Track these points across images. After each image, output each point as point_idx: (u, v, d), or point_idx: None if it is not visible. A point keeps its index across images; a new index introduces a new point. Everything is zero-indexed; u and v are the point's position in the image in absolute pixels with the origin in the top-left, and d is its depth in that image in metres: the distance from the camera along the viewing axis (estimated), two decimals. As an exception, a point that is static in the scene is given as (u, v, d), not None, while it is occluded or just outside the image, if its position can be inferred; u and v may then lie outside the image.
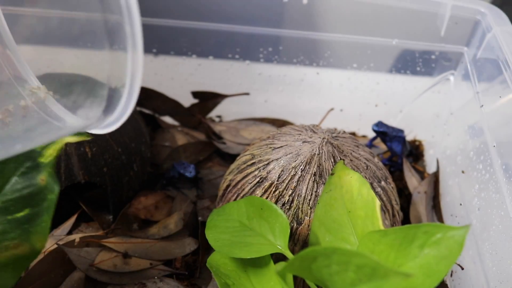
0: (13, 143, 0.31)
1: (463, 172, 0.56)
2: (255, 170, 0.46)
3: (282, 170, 0.45)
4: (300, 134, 0.47)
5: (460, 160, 0.57)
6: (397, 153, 0.63)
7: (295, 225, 0.44)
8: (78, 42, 0.36)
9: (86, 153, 0.50)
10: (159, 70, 0.67)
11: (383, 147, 0.67)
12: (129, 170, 0.54)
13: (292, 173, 0.44)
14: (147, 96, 0.66)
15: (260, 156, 0.47)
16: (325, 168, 0.44)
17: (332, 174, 0.41)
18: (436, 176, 0.63)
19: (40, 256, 0.48)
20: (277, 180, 0.45)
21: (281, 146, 0.46)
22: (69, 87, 0.37)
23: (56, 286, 0.47)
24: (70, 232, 0.52)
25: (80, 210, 0.53)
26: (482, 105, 0.52)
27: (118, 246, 0.50)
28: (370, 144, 0.67)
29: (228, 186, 0.49)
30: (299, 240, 0.44)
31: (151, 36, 0.64)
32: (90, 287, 0.48)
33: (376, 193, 0.46)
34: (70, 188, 0.51)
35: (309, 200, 0.44)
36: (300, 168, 0.44)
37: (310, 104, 0.69)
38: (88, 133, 0.36)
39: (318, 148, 0.45)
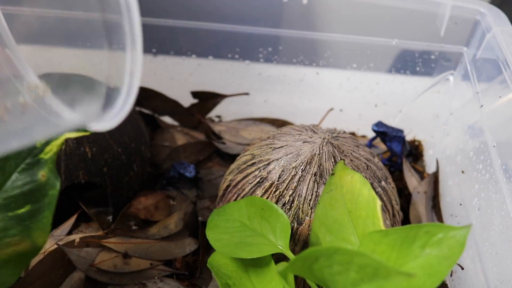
0: (11, 140, 0.31)
1: (463, 172, 0.56)
2: (255, 170, 0.46)
3: (282, 170, 0.45)
4: (300, 134, 0.47)
5: (459, 160, 0.57)
6: (396, 153, 0.63)
7: (295, 225, 0.44)
8: (77, 42, 0.36)
9: (86, 153, 0.50)
10: (159, 70, 0.66)
11: (382, 147, 0.67)
12: (129, 170, 0.54)
13: (292, 173, 0.44)
14: (147, 96, 0.66)
15: (261, 156, 0.47)
16: (326, 168, 0.44)
17: (332, 174, 0.41)
18: (435, 176, 0.63)
19: (40, 257, 0.48)
20: (278, 180, 0.45)
21: (282, 146, 0.46)
22: (67, 84, 0.37)
23: (56, 286, 0.47)
24: (70, 232, 0.52)
25: (80, 210, 0.53)
26: (482, 105, 0.52)
27: (118, 246, 0.50)
28: (370, 144, 0.67)
29: (228, 186, 0.49)
30: (299, 240, 0.44)
31: (151, 36, 0.64)
32: (90, 288, 0.48)
33: (377, 193, 0.46)
34: (70, 188, 0.51)
35: (310, 200, 0.44)
36: (301, 168, 0.44)
37: (309, 104, 0.69)
38: (88, 129, 0.36)
39: (319, 148, 0.45)
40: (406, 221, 0.57)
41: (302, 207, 0.44)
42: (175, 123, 0.69)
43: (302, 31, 0.62)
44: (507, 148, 0.47)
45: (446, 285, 0.53)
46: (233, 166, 0.51)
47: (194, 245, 0.53)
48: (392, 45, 0.62)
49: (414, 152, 0.68)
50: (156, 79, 0.67)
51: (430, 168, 0.66)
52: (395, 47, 0.62)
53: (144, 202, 0.57)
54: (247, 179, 0.47)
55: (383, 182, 0.48)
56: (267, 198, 0.44)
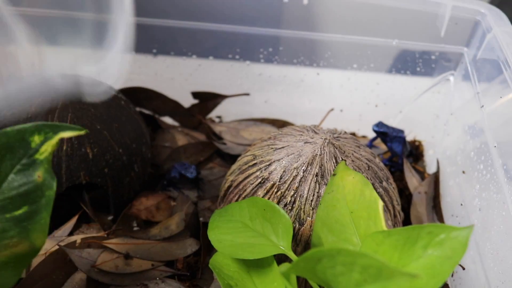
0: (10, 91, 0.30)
1: (463, 172, 0.56)
2: (256, 170, 0.46)
3: (284, 171, 0.45)
4: (301, 134, 0.47)
5: (460, 160, 0.58)
6: (397, 154, 0.63)
7: (297, 225, 0.44)
8: None
9: (87, 154, 0.50)
10: (159, 70, 0.67)
11: (383, 147, 0.67)
12: (130, 171, 0.54)
13: (294, 174, 0.44)
14: (147, 97, 0.66)
15: (262, 157, 0.47)
16: (327, 169, 0.44)
17: (334, 174, 0.41)
18: (436, 176, 0.63)
19: (41, 258, 0.48)
20: (279, 181, 0.45)
21: (283, 147, 0.46)
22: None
23: (57, 287, 0.47)
24: (71, 233, 0.52)
25: (81, 211, 0.53)
26: (483, 106, 0.52)
27: (120, 247, 0.50)
28: (371, 145, 0.67)
29: (229, 186, 0.49)
30: (301, 241, 0.44)
31: (151, 37, 0.64)
32: (91, 288, 0.48)
33: (378, 193, 0.46)
34: (71, 189, 0.51)
35: (311, 200, 0.44)
36: (302, 168, 0.44)
37: (310, 104, 0.69)
38: (82, 127, 0.36)
39: (320, 148, 0.45)
40: (407, 221, 0.57)
41: (304, 207, 0.44)
42: (176, 123, 0.69)
43: (302, 32, 0.62)
44: (508, 148, 0.47)
45: (447, 285, 0.53)
46: (234, 166, 0.51)
47: (196, 245, 0.53)
48: (393, 46, 0.62)
49: (415, 152, 0.68)
50: (157, 80, 0.67)
51: (430, 169, 0.66)
52: (395, 47, 0.62)
53: (145, 203, 0.57)
54: (248, 179, 0.47)
55: (384, 183, 0.48)
56: (269, 198, 0.44)
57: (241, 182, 0.47)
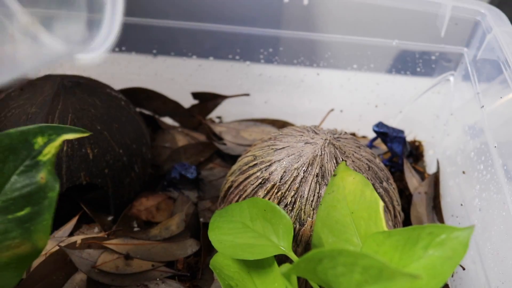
0: None
1: (463, 172, 0.56)
2: (257, 171, 0.46)
3: (284, 171, 0.45)
4: (302, 135, 0.47)
5: (460, 160, 0.58)
6: (397, 154, 0.63)
7: (297, 226, 0.44)
8: None
9: (87, 154, 0.50)
10: (159, 71, 0.67)
11: (383, 147, 0.67)
12: (131, 171, 0.54)
13: (294, 174, 0.44)
14: (147, 97, 0.66)
15: (262, 157, 0.47)
16: (328, 169, 0.44)
17: (334, 175, 0.41)
18: (436, 176, 0.63)
19: (42, 258, 0.48)
20: (280, 181, 0.45)
21: (283, 147, 0.46)
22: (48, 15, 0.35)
23: (58, 288, 0.47)
24: (71, 234, 0.52)
25: (81, 212, 0.53)
26: (483, 106, 0.53)
27: (120, 247, 0.50)
28: (371, 145, 0.67)
29: (230, 187, 0.49)
30: (301, 241, 0.44)
31: (151, 37, 0.64)
32: (92, 289, 0.48)
33: (378, 194, 0.46)
34: (72, 189, 0.51)
35: (312, 201, 0.44)
36: (303, 169, 0.44)
37: (310, 105, 0.69)
38: (85, 129, 0.36)
39: (320, 149, 0.45)
40: (407, 221, 0.57)
41: (304, 208, 0.44)
42: (176, 124, 0.69)
43: (302, 32, 0.62)
44: (508, 149, 0.47)
45: (448, 285, 0.53)
46: (234, 167, 0.51)
47: (196, 246, 0.53)
48: (393, 46, 0.62)
49: (415, 152, 0.68)
50: (157, 80, 0.67)
51: (430, 169, 0.66)
52: (395, 47, 0.62)
53: (145, 203, 0.57)
54: (249, 180, 0.47)
55: (384, 183, 0.48)
56: (269, 199, 0.44)
57: (241, 182, 0.47)
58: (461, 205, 0.55)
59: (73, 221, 0.53)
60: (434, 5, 0.57)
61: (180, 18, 0.61)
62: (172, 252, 0.52)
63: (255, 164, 0.47)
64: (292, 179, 0.44)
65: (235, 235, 0.42)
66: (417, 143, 0.69)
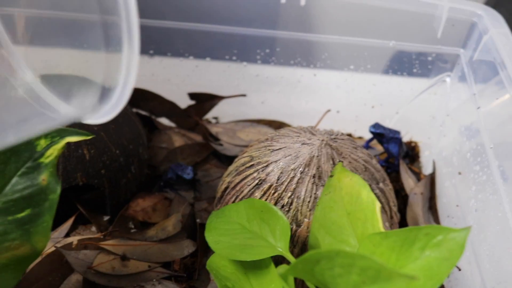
0: (5, 134, 0.31)
1: (459, 173, 0.56)
2: (254, 172, 0.46)
3: (281, 172, 0.45)
4: (298, 136, 0.47)
5: (456, 161, 0.58)
6: (394, 155, 0.63)
7: (294, 227, 0.44)
8: (74, 42, 0.35)
9: (84, 155, 0.50)
10: (156, 71, 0.66)
11: (379, 148, 0.67)
12: (127, 172, 0.54)
13: (291, 175, 0.44)
14: (144, 98, 0.66)
15: (259, 158, 0.47)
16: (324, 170, 0.44)
17: (331, 176, 0.41)
18: (432, 177, 0.63)
19: (38, 259, 0.48)
20: (276, 182, 0.45)
21: (280, 148, 0.46)
22: (63, 81, 0.37)
23: (54, 289, 0.47)
24: (67, 235, 0.52)
25: (77, 213, 0.53)
26: (479, 107, 0.53)
27: (116, 248, 0.50)
28: (367, 146, 0.67)
29: (226, 188, 0.49)
30: (298, 242, 0.44)
31: (148, 38, 0.64)
32: (88, 290, 0.48)
33: (375, 194, 0.46)
34: (68, 190, 0.50)
35: (308, 202, 0.44)
36: (299, 170, 0.44)
37: (307, 105, 0.69)
38: (88, 132, 0.36)
39: (317, 150, 0.45)
40: (402, 222, 0.58)
41: (301, 209, 0.44)
42: (172, 124, 0.69)
43: (299, 33, 0.62)
44: (504, 150, 0.48)
45: (443, 286, 0.53)
46: (231, 168, 0.51)
47: (192, 247, 0.53)
48: (389, 47, 0.62)
49: (411, 153, 0.68)
50: (153, 81, 0.66)
51: (426, 169, 0.66)
52: (392, 48, 0.62)
53: (142, 204, 0.56)
54: (245, 181, 0.47)
55: (381, 184, 0.48)
56: (266, 200, 0.44)
57: (238, 183, 0.47)
58: (457, 206, 0.55)
59: (70, 222, 0.53)
60: (430, 6, 0.57)
61: (177, 18, 0.61)
62: (168, 252, 0.51)
63: (252, 165, 0.47)
64: (289, 180, 0.44)
65: (232, 236, 0.42)
66: (413, 144, 0.70)
